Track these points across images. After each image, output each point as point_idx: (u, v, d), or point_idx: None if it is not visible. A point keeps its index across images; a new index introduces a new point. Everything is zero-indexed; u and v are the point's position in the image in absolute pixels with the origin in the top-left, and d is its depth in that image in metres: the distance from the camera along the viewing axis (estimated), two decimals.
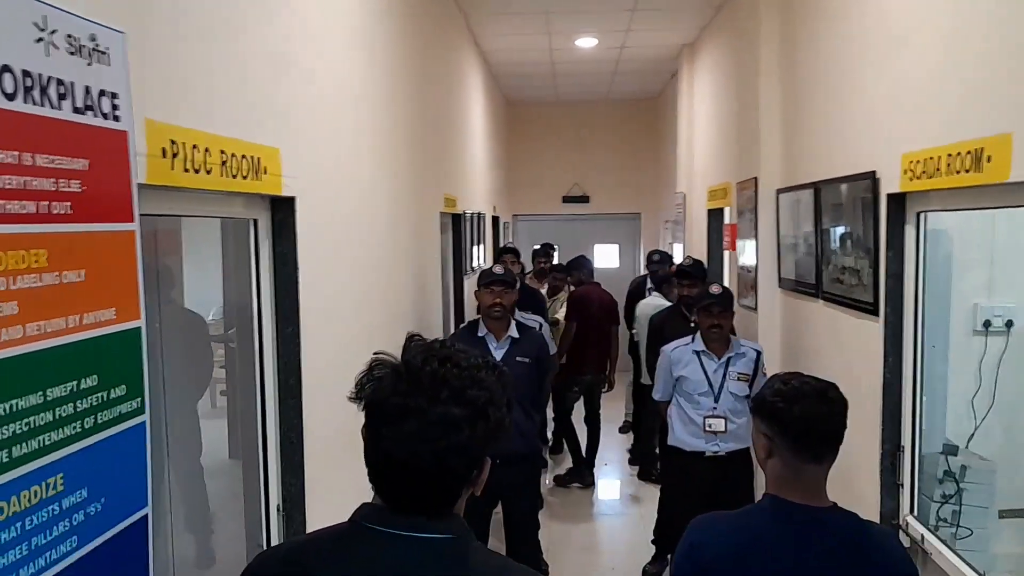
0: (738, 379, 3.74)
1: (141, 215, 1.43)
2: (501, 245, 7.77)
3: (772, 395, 1.71)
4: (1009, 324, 2.93)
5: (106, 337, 1.32)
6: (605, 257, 10.51)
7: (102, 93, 1.32)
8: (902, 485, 2.93)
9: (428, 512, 1.07)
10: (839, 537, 1.65)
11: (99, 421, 1.31)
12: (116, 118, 1.36)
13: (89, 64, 1.29)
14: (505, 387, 1.10)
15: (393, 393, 1.05)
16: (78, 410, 1.26)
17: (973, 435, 2.95)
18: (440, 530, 1.07)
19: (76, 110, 1.26)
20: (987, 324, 2.98)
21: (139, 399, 1.42)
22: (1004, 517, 2.79)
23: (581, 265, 6.19)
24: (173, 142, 1.61)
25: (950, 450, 2.92)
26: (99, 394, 1.31)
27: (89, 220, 1.29)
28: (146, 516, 1.43)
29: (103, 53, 1.33)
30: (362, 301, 3.14)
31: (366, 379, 1.08)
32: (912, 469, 2.92)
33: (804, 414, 1.65)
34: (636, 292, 6.53)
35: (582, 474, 5.89)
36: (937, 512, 2.89)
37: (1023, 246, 3.03)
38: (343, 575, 1.08)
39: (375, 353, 1.09)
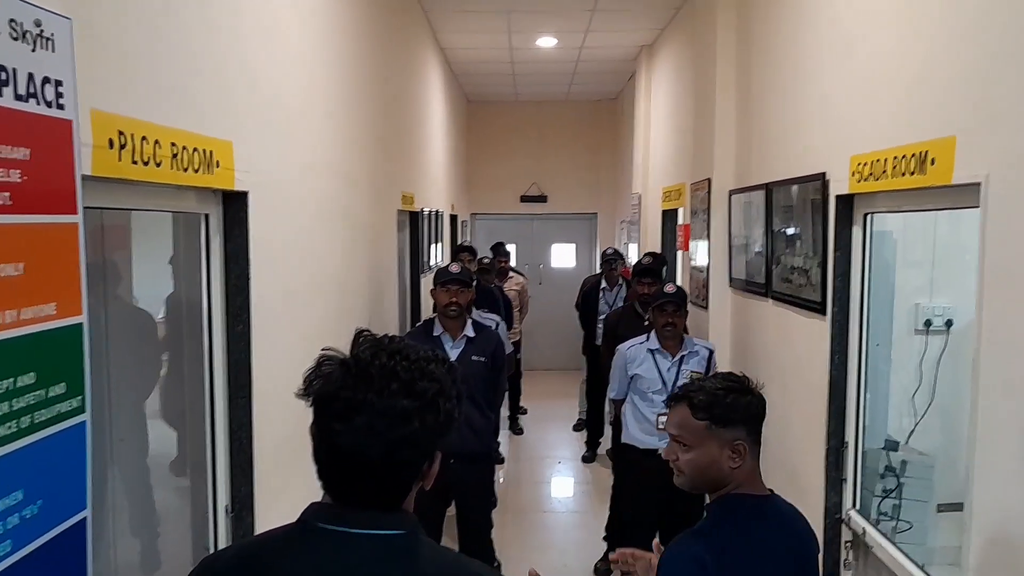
0: (691, 377, 3.80)
1: (86, 208, 1.39)
2: (458, 243, 7.75)
3: (723, 394, 1.68)
4: (949, 324, 3.03)
5: (45, 333, 1.28)
6: (562, 257, 10.59)
7: (46, 80, 1.28)
8: (846, 480, 3.01)
9: (379, 507, 1.06)
10: (784, 519, 1.73)
11: (36, 420, 1.27)
12: (60, 106, 1.32)
13: (33, 50, 1.25)
14: (455, 380, 1.10)
15: (342, 387, 1.04)
16: (14, 408, 1.22)
17: (913, 431, 3.05)
18: (391, 525, 1.06)
19: (18, 97, 1.22)
20: (928, 323, 3.08)
21: (80, 397, 1.37)
22: (942, 511, 2.88)
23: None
24: (121, 133, 1.57)
25: (891, 446, 3.02)
26: (37, 392, 1.27)
27: (29, 211, 1.25)
28: (85, 519, 1.39)
29: (48, 39, 1.29)
30: (316, 298, 3.10)
31: (314, 375, 1.07)
32: (855, 464, 3.00)
33: (758, 398, 1.71)
34: (591, 292, 6.58)
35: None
36: (878, 506, 2.98)
37: (964, 248, 3.14)
38: None
39: (323, 349, 1.08)
